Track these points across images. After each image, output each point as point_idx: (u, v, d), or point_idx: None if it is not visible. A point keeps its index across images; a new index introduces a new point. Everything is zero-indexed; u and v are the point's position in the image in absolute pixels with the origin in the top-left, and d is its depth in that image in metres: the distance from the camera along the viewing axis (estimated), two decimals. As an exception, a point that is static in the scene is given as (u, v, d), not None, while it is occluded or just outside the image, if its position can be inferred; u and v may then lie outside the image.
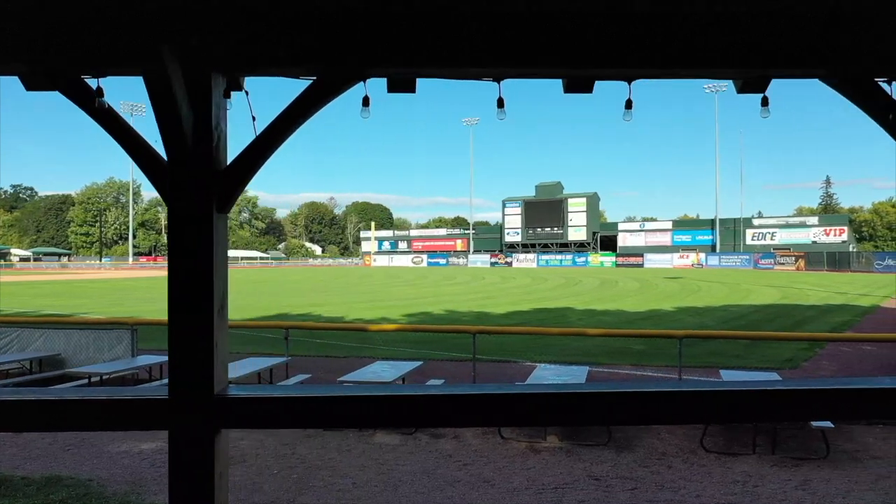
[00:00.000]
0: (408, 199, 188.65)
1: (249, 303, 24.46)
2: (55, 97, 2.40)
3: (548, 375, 7.33)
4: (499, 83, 2.39)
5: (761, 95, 2.51)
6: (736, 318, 18.54)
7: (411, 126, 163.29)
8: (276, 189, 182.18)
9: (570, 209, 79.74)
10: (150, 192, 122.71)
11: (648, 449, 6.60)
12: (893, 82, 2.56)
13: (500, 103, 2.42)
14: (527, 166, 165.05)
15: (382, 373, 7.36)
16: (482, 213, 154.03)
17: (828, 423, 6.15)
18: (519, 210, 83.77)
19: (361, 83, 2.35)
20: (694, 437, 6.79)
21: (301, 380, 8.45)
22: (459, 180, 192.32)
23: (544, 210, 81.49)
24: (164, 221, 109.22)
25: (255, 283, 41.09)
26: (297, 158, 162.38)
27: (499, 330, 9.19)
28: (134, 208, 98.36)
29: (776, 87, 2.51)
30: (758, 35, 2.41)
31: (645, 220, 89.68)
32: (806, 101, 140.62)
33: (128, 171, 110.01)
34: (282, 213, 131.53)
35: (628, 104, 2.43)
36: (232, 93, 2.41)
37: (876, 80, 2.52)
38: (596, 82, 2.43)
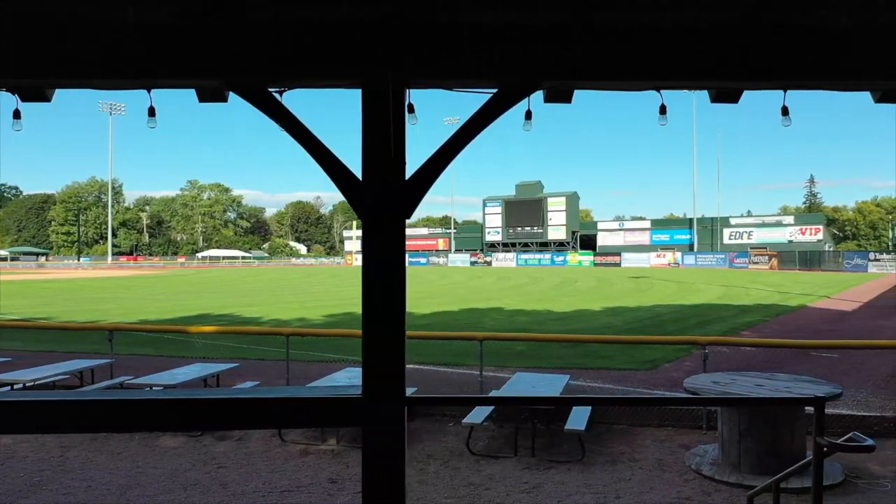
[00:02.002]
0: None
1: (184, 303, 24.47)
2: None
3: (341, 377, 7.35)
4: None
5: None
6: (651, 317, 18.58)
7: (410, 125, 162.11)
8: (271, 189, 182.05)
9: (549, 208, 79.84)
10: (132, 192, 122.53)
11: (419, 451, 6.61)
12: (285, 92, 2.59)
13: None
14: (527, 166, 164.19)
15: (178, 374, 7.37)
16: (476, 212, 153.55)
17: (580, 427, 6.18)
18: (499, 209, 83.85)
19: None
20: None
21: (122, 381, 8.46)
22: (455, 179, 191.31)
23: (524, 209, 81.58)
24: (146, 221, 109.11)
25: (211, 283, 41.10)
26: (294, 157, 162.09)
27: (309, 332, 9.22)
28: (115, 207, 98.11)
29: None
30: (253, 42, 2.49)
31: (634, 218, 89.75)
32: (803, 102, 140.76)
33: (111, 170, 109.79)
34: (272, 213, 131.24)
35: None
36: None
37: (269, 89, 2.55)
38: None
